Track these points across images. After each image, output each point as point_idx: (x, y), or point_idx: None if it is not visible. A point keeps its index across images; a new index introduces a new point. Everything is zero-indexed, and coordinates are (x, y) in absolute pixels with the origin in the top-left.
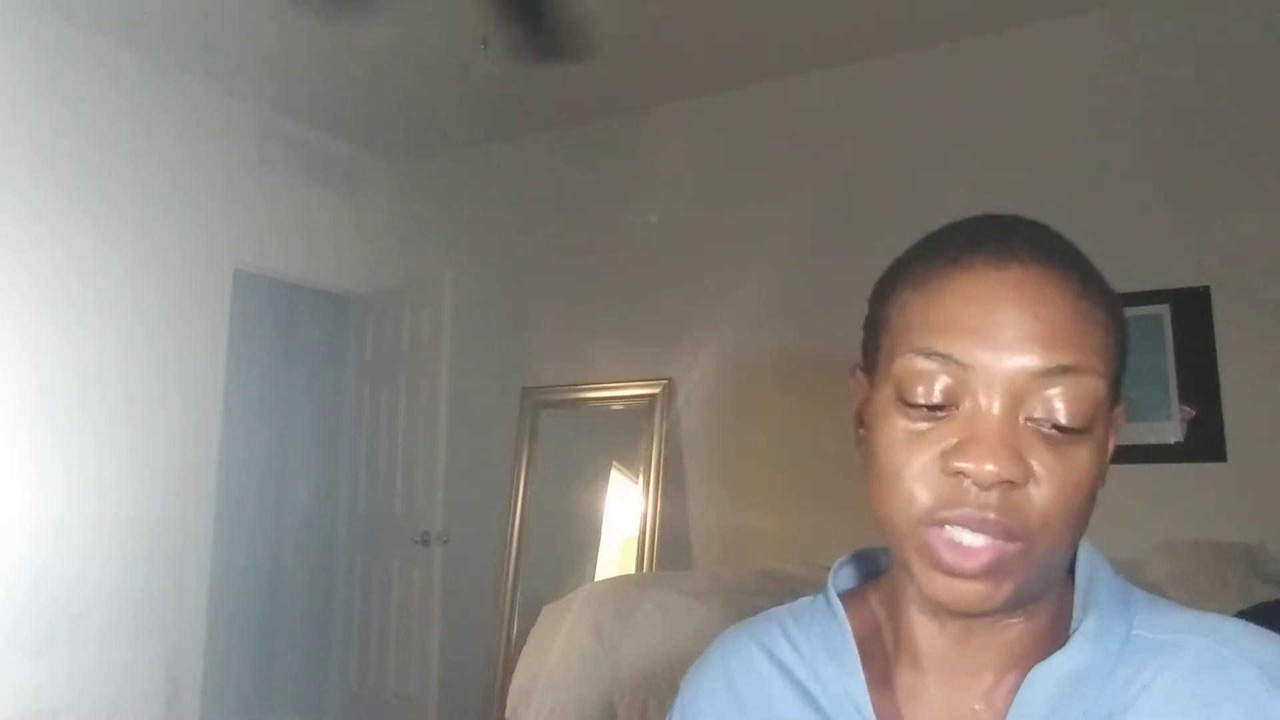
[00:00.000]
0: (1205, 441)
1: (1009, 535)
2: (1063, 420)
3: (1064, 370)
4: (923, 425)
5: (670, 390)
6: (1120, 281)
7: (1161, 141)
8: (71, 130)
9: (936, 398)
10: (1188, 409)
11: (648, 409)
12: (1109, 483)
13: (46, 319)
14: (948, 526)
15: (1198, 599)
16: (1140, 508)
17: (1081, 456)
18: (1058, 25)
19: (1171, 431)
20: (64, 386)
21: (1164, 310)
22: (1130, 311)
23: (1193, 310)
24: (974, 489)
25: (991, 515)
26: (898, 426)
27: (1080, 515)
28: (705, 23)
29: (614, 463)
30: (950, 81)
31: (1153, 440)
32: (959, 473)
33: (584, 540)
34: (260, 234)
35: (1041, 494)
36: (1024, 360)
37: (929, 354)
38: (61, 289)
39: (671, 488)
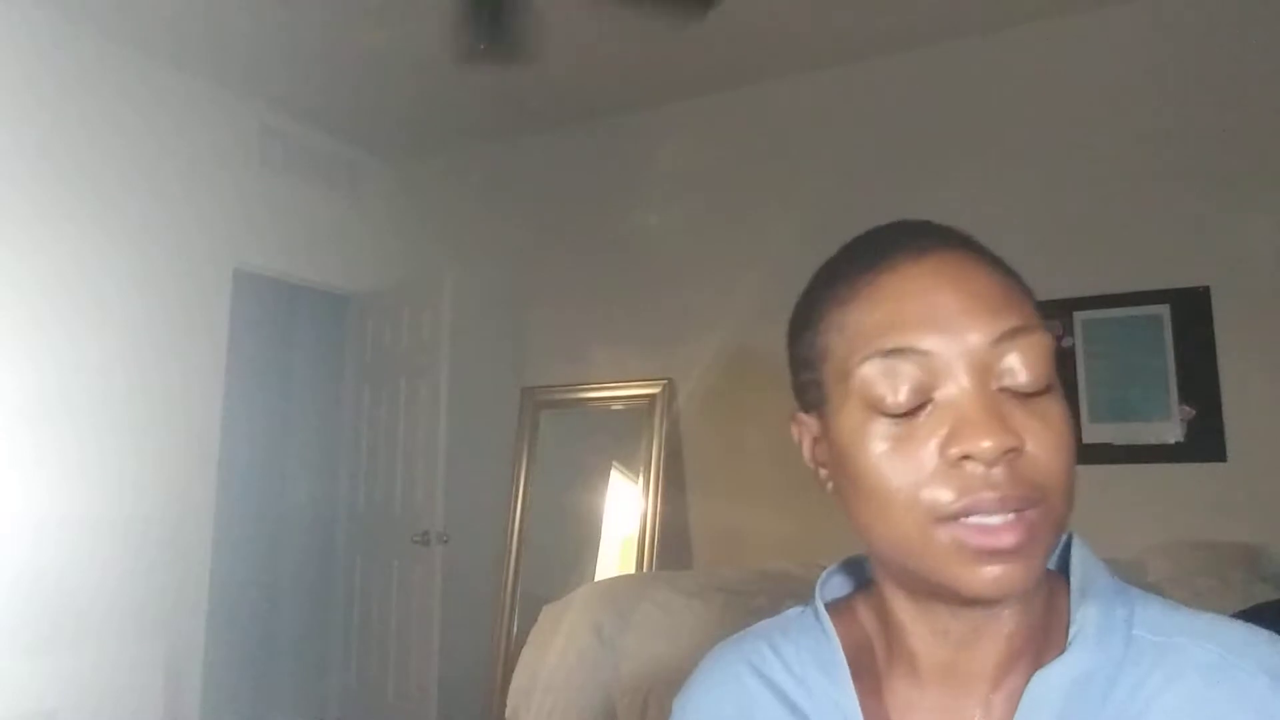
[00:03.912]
0: (1205, 441)
1: (1027, 503)
2: (1027, 377)
3: (1015, 331)
4: (904, 428)
5: (670, 390)
6: (1120, 281)
7: (1162, 141)
8: (72, 130)
9: (908, 394)
10: (1188, 409)
11: (648, 409)
12: (1109, 482)
13: (47, 319)
14: (970, 517)
15: (1198, 599)
16: (1140, 508)
17: (1056, 410)
18: (1058, 25)
19: (1171, 431)
20: (64, 386)
21: (1164, 310)
22: (1130, 311)
23: (1193, 310)
24: (981, 471)
25: (1008, 491)
26: (878, 437)
27: (1074, 472)
28: (705, 23)
29: (614, 463)
30: (950, 81)
31: (1153, 440)
32: (963, 458)
33: (584, 540)
34: (260, 234)
35: (1041, 456)
36: (975, 334)
37: (887, 353)
38: (62, 289)
39: (671, 488)
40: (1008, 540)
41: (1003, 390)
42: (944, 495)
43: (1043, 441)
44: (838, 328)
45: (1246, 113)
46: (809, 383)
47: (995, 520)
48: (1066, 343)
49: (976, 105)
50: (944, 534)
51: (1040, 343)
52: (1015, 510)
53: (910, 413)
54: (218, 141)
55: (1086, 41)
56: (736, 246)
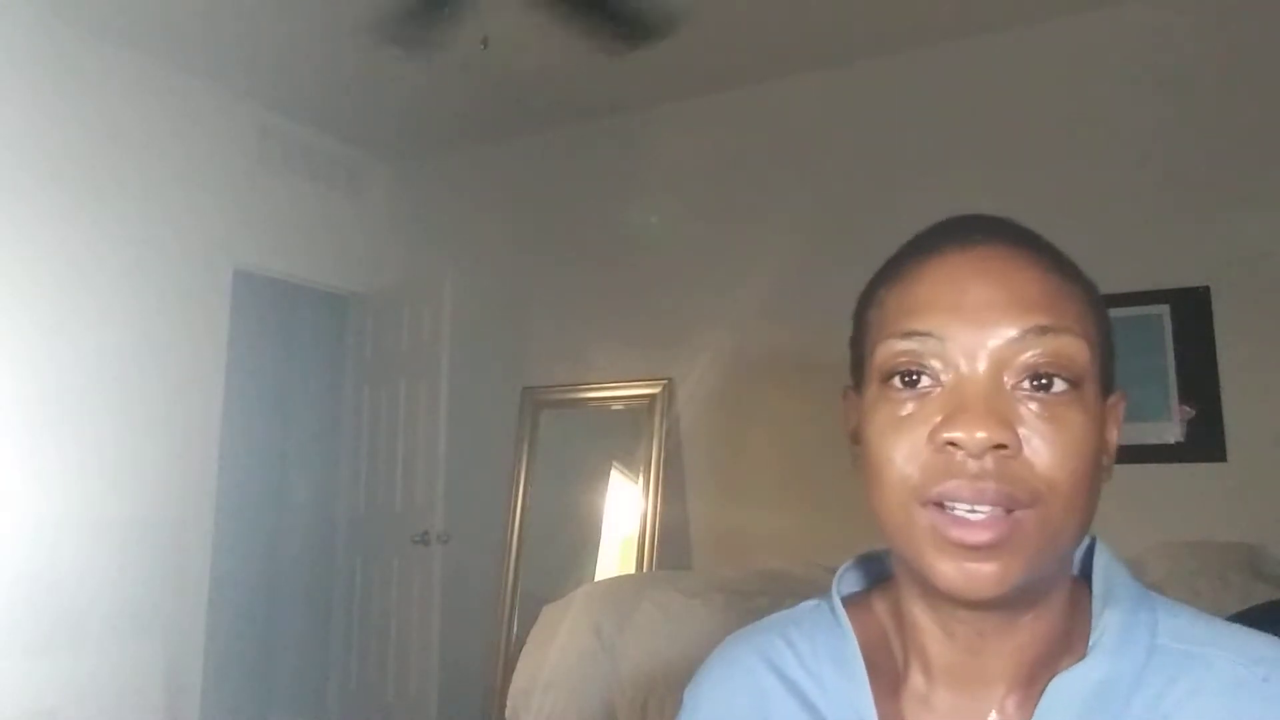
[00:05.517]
0: (1205, 441)
1: (1011, 503)
2: (1046, 377)
3: (1041, 330)
4: (909, 408)
5: (670, 390)
6: (1120, 281)
7: (1162, 141)
8: (72, 131)
9: (917, 375)
10: (1188, 409)
11: (648, 409)
12: (1109, 482)
13: (47, 319)
14: (947, 504)
15: (1198, 599)
16: (1140, 508)
17: (1074, 418)
18: (1057, 25)
19: (1171, 431)
20: (64, 386)
21: (1164, 310)
22: (1130, 311)
23: (1193, 310)
24: (968, 460)
25: (990, 484)
26: (884, 413)
27: (1086, 480)
28: (705, 22)
29: (614, 463)
30: (950, 81)
31: (1153, 440)
32: (950, 444)
33: (584, 540)
34: (260, 234)
35: (1040, 458)
36: (1000, 329)
37: (907, 334)
38: (62, 289)
39: (671, 488)
40: (982, 536)
41: (1019, 388)
42: (924, 476)
43: (1049, 445)
44: (879, 304)
45: (1246, 113)
46: (855, 358)
47: (974, 515)
48: None
49: (976, 106)
50: (924, 517)
51: (1069, 346)
52: (994, 505)
53: (920, 394)
54: (217, 142)
55: (1086, 42)
56: (736, 246)
